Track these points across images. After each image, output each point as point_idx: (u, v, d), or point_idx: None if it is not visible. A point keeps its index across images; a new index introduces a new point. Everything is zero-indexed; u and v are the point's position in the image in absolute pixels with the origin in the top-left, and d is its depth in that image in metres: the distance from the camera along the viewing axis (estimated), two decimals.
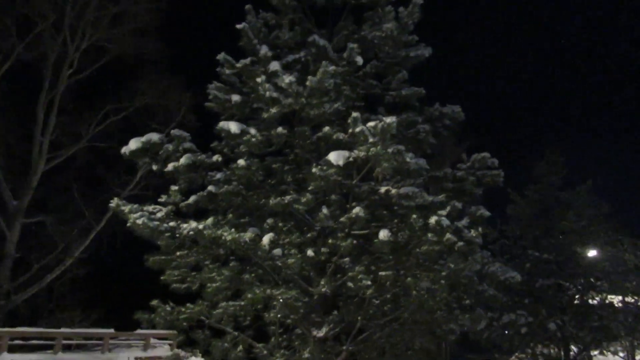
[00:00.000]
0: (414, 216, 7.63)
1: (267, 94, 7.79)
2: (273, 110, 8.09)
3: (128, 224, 7.70)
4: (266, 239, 7.89)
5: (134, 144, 8.55)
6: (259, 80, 7.92)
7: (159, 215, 7.93)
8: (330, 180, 7.39)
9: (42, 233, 19.72)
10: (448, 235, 7.49)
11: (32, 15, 18.22)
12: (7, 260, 18.00)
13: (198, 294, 8.49)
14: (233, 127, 8.12)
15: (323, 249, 7.97)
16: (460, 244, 7.90)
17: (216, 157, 8.62)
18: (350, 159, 7.29)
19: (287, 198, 7.72)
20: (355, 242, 7.95)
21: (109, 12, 19.39)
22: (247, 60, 8.55)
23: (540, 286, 16.86)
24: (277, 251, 7.74)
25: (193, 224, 7.71)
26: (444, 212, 7.88)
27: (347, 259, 8.14)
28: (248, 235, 7.77)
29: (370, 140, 6.92)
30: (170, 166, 8.52)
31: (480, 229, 8.05)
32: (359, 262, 8.10)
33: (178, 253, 8.22)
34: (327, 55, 9.13)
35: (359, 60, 8.93)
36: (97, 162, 20.61)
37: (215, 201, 8.69)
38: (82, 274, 20.78)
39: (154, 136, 8.66)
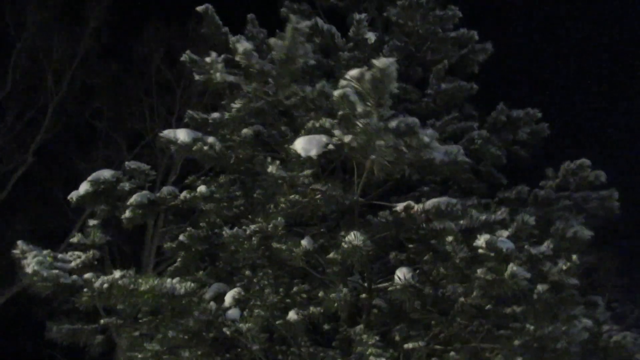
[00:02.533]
0: (450, 239, 4.51)
1: (219, 76, 5.31)
2: (236, 105, 5.60)
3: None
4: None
5: (83, 187, 6.42)
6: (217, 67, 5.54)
7: (72, 264, 5.48)
8: (298, 186, 4.59)
9: None
10: (513, 269, 4.24)
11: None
12: None
13: None
14: (182, 135, 5.73)
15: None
16: (541, 288, 4.60)
17: (168, 190, 6.19)
18: (331, 147, 4.43)
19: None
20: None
21: None
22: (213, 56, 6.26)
23: None
24: (234, 313, 4.95)
25: (117, 273, 5.17)
26: (504, 233, 4.69)
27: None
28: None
29: (359, 109, 4.01)
30: (127, 213, 6.24)
31: (576, 258, 4.64)
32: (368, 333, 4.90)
33: None
34: (333, 42, 6.66)
35: (371, 36, 6.36)
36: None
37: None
38: None
39: (106, 174, 6.48)
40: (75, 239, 5.56)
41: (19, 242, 5.66)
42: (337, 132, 4.22)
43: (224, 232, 5.40)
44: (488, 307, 4.75)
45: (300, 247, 4.89)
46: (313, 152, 4.42)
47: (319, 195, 4.96)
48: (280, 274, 5.85)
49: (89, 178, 6.30)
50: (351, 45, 6.46)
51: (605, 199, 6.62)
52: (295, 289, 5.63)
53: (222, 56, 5.73)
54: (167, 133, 5.73)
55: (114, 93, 17.59)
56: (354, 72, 3.73)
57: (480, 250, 4.45)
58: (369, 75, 3.62)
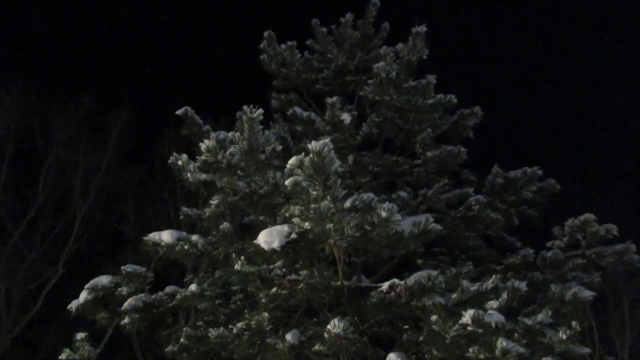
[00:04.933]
0: (434, 317, 4.19)
1: (191, 176, 5.33)
2: (214, 201, 5.58)
3: None
4: None
5: (82, 295, 6.40)
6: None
7: None
8: (272, 279, 4.41)
9: None
10: (503, 345, 3.88)
11: None
12: None
13: None
14: (166, 236, 5.69)
15: None
16: None
17: (166, 292, 6.10)
18: (294, 236, 4.29)
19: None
20: None
21: None
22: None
23: None
24: None
25: None
26: (494, 304, 4.34)
27: None
28: None
29: (313, 193, 3.88)
30: (127, 319, 6.17)
31: (576, 325, 4.22)
32: None
33: None
34: (313, 127, 6.71)
35: (346, 117, 6.36)
36: None
37: None
38: None
39: (104, 280, 6.47)
40: (63, 355, 5.45)
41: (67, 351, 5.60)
42: (295, 219, 4.10)
43: (209, 334, 5.22)
44: None
45: (284, 343, 4.66)
46: (275, 244, 4.29)
47: (301, 285, 4.78)
48: None
49: (87, 285, 6.29)
50: (329, 128, 6.47)
51: (622, 252, 6.19)
52: None
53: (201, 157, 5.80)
54: (152, 236, 5.71)
55: (139, 197, 18.10)
56: (292, 161, 3.66)
57: (469, 328, 4.12)
58: (307, 161, 3.54)
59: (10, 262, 15.99)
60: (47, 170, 17.16)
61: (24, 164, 17.04)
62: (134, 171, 18.29)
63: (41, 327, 16.08)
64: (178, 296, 6.25)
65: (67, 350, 5.55)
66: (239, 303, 6.44)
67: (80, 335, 5.70)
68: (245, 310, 6.13)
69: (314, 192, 3.83)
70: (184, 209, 6.74)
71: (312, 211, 3.76)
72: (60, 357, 5.55)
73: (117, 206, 18.12)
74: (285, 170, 3.83)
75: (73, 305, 6.23)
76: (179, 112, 6.55)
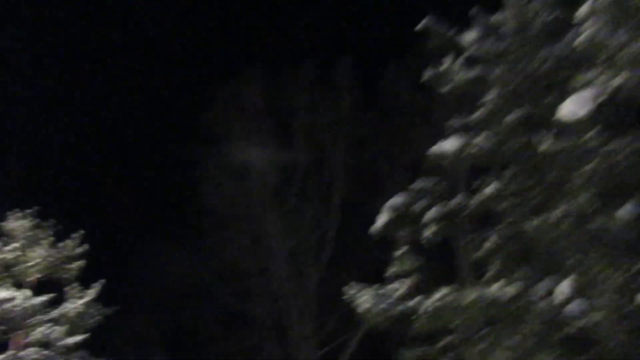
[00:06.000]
0: None
1: (460, 77, 5.20)
2: (489, 97, 5.39)
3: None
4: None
5: (381, 218, 6.90)
6: None
7: (397, 294, 5.85)
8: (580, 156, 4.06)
9: None
10: None
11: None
12: None
13: None
14: (449, 145, 5.74)
15: None
16: None
17: (459, 200, 6.18)
18: (603, 98, 3.84)
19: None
20: None
21: None
22: None
23: None
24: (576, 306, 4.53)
25: (437, 294, 5.31)
26: None
27: None
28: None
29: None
30: (426, 231, 6.49)
31: None
32: None
33: None
34: None
35: None
36: None
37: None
38: None
39: (399, 200, 6.88)
40: (390, 271, 6.01)
41: (351, 285, 6.39)
42: (600, 79, 3.69)
43: (525, 227, 5.14)
44: None
45: (615, 220, 4.32)
46: (583, 112, 3.93)
47: (620, 157, 4.31)
48: (612, 252, 5.21)
49: (385, 208, 6.79)
50: None
51: None
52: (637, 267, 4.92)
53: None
54: (435, 149, 5.84)
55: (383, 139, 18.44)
56: (584, 9, 3.23)
57: None
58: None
59: (291, 221, 18.16)
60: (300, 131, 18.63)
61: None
62: (370, 115, 18.75)
63: (338, 269, 17.95)
64: (474, 202, 6.33)
65: (393, 266, 6.07)
66: (538, 197, 6.20)
67: (400, 251, 6.17)
68: (549, 202, 5.88)
69: (615, 41, 3.38)
70: (449, 122, 6.69)
71: (621, 59, 3.33)
72: (388, 273, 6.12)
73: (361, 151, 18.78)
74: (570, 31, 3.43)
75: (374, 228, 6.79)
76: (419, 26, 6.45)
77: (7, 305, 10.05)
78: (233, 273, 18.12)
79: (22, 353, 10.18)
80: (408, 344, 6.83)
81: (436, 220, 6.37)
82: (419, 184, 6.78)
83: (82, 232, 11.56)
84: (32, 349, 10.16)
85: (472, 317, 5.25)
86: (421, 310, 5.39)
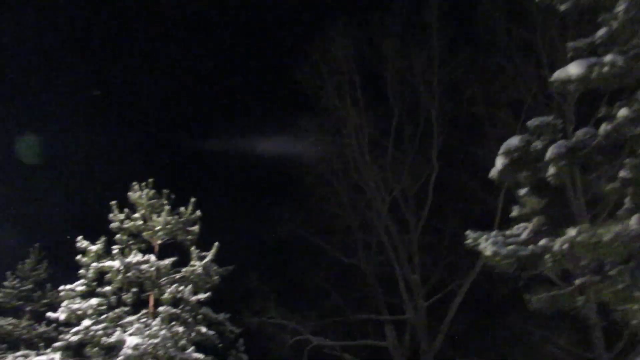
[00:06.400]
0: None
1: None
2: (619, 8, 4.84)
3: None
4: None
5: (499, 162, 6.56)
6: None
7: (523, 236, 5.55)
8: None
9: None
10: None
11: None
12: None
13: None
14: (574, 69, 5.25)
15: None
16: None
17: (583, 132, 5.71)
18: None
19: None
20: None
21: None
22: None
23: None
24: None
25: (572, 231, 4.97)
26: None
27: None
28: None
29: None
30: (550, 169, 6.11)
31: None
32: None
33: None
34: None
35: None
36: None
37: None
38: None
39: (514, 141, 6.51)
40: (514, 212, 5.72)
41: (468, 232, 6.18)
42: None
43: None
44: None
45: None
46: None
47: None
48: None
49: (500, 151, 6.44)
50: None
51: None
52: None
53: None
54: (558, 74, 5.39)
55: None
56: None
57: None
58: None
59: (390, 172, 17.99)
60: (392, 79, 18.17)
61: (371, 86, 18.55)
62: (464, 54, 17.87)
63: (440, 215, 17.77)
64: (601, 131, 5.85)
65: (516, 207, 5.80)
66: None
67: (522, 192, 5.88)
68: None
69: None
70: (571, 43, 6.12)
71: None
72: (511, 214, 5.85)
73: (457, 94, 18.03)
74: None
75: (493, 174, 6.47)
76: None
77: (143, 267, 10.93)
78: (338, 228, 18.40)
79: (158, 309, 11.07)
80: (534, 288, 6.55)
81: (559, 155, 5.95)
82: (534, 122, 6.35)
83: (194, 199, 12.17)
84: (164, 307, 10.97)
85: (613, 254, 4.90)
86: (555, 248, 5.09)
